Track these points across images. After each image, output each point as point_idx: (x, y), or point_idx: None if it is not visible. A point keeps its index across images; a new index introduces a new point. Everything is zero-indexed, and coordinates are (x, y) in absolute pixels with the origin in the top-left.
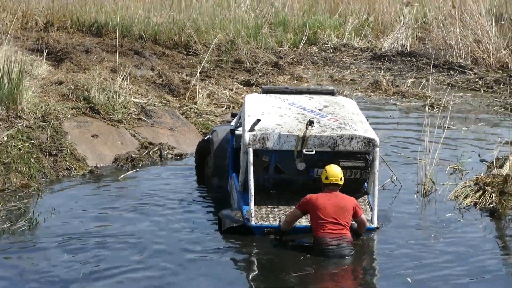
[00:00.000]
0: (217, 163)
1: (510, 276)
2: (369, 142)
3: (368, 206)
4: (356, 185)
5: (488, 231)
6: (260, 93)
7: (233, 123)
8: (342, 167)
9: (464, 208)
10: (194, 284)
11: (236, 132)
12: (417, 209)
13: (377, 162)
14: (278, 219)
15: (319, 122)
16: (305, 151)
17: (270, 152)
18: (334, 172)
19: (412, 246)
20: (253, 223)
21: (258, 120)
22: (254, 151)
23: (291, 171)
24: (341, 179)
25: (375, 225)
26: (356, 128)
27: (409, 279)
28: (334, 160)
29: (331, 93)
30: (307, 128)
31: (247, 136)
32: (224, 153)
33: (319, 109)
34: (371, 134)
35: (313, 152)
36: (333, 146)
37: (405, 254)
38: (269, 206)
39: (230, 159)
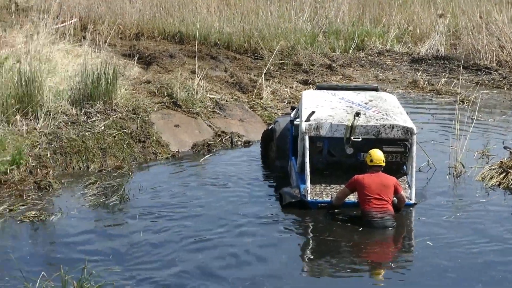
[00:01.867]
0: (279, 148)
1: None
2: (407, 130)
3: (407, 185)
4: (396, 167)
5: (510, 207)
6: (315, 89)
7: (292, 115)
8: (384, 152)
9: (489, 187)
10: (256, 249)
11: (295, 122)
12: (449, 188)
13: (414, 148)
14: (330, 196)
15: (365, 114)
16: (353, 138)
17: (323, 139)
18: (378, 155)
19: (444, 220)
20: (309, 198)
21: (313, 112)
22: (310, 138)
23: (341, 154)
24: (383, 161)
25: (413, 201)
26: (396, 119)
27: (429, 242)
28: (378, 145)
29: (375, 89)
30: (354, 118)
31: (304, 126)
32: (285, 140)
33: (365, 103)
34: (409, 123)
35: (360, 139)
36: (376, 134)
37: (437, 226)
38: (322, 184)
39: (290, 145)
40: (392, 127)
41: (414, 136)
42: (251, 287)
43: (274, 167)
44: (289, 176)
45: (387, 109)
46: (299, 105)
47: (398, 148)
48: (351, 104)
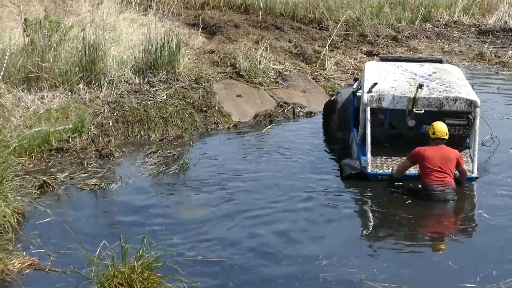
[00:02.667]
0: (341, 119)
1: None
2: (471, 103)
3: (469, 159)
4: (459, 140)
5: None
6: (378, 61)
7: (354, 86)
8: (447, 125)
9: None
10: (315, 224)
11: (357, 93)
12: None
13: (477, 121)
14: (391, 168)
15: (428, 86)
16: (415, 110)
17: (385, 111)
18: (441, 128)
19: (506, 195)
20: (369, 170)
21: (375, 83)
22: (372, 110)
23: (403, 127)
24: (446, 134)
25: (475, 174)
26: (460, 91)
27: (489, 217)
28: (440, 118)
29: (439, 61)
30: (417, 90)
31: (366, 97)
32: (346, 111)
33: (428, 75)
34: (473, 96)
35: (422, 111)
36: (439, 106)
37: (499, 201)
38: (383, 157)
39: (351, 116)
40: (455, 99)
41: (478, 109)
42: (309, 264)
43: (336, 139)
44: (350, 147)
45: (450, 81)
46: (361, 76)
47: (461, 121)
48: (414, 76)
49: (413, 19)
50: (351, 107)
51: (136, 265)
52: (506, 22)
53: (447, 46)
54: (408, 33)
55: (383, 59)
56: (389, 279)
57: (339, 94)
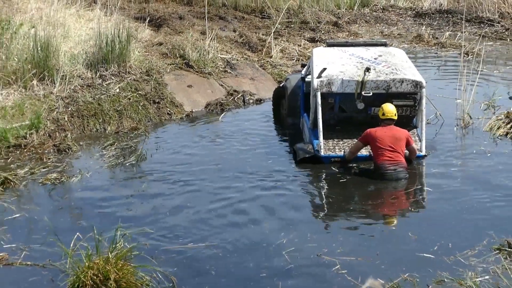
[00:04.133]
0: (291, 105)
1: None
2: (417, 84)
3: (417, 138)
4: (406, 121)
5: None
6: (325, 46)
7: (303, 72)
8: (395, 106)
9: (497, 137)
10: (269, 205)
11: (306, 79)
12: (457, 139)
13: (423, 101)
14: (343, 150)
15: (374, 69)
16: (364, 93)
17: (334, 95)
18: (389, 109)
19: (453, 171)
20: (322, 153)
21: (325, 69)
22: (322, 94)
23: (352, 110)
24: (395, 114)
25: (423, 152)
26: (405, 73)
27: (438, 193)
28: (388, 100)
29: (384, 44)
30: (365, 74)
31: (316, 82)
32: (296, 97)
33: (375, 58)
34: (419, 77)
35: (370, 94)
36: (387, 88)
37: (447, 178)
38: (335, 140)
39: (301, 102)
40: (402, 81)
41: (423, 90)
42: (273, 243)
43: (286, 124)
44: (302, 132)
45: (396, 63)
46: (309, 62)
47: (408, 101)
48: (361, 59)
49: (351, 5)
50: (300, 93)
51: (110, 256)
52: (441, 4)
53: (386, 29)
54: (348, 18)
55: (330, 45)
56: (346, 253)
57: (288, 81)
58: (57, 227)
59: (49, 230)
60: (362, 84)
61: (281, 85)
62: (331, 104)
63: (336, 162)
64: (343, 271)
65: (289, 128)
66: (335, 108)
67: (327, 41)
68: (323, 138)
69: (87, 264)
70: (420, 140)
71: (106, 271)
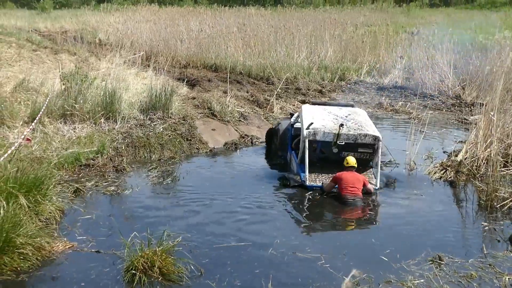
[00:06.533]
0: (281, 142)
1: (461, 220)
2: (376, 138)
3: (372, 175)
4: (366, 162)
5: (447, 194)
6: (311, 104)
7: (292, 120)
8: (359, 152)
9: (434, 180)
10: (268, 213)
11: (295, 125)
12: (405, 179)
13: (380, 150)
14: (322, 182)
15: (346, 125)
16: (339, 142)
17: (317, 142)
18: (351, 160)
19: (399, 202)
20: (307, 183)
21: (312, 123)
22: (309, 141)
23: (329, 152)
24: (355, 163)
25: (378, 186)
26: (368, 129)
27: (387, 216)
28: (355, 148)
29: (352, 106)
30: (339, 128)
31: (305, 132)
32: (286, 136)
33: (346, 116)
34: (377, 133)
35: (343, 143)
36: (354, 139)
37: (395, 206)
38: (316, 173)
39: (289, 141)
40: (365, 135)
41: (380, 142)
42: (265, 245)
43: (277, 155)
44: (289, 164)
45: (361, 121)
46: (300, 114)
47: (369, 149)
48: (336, 117)
49: (332, 78)
50: (289, 135)
51: (157, 249)
52: (397, 81)
53: (356, 97)
54: (329, 87)
55: (314, 103)
56: (316, 251)
57: (280, 124)
58: (116, 226)
59: (111, 228)
60: (337, 136)
61: (274, 127)
62: (314, 148)
63: (316, 190)
64: (326, 265)
65: (280, 159)
66: (317, 150)
67: (312, 100)
68: (308, 172)
69: (140, 253)
70: (375, 178)
71: (153, 260)
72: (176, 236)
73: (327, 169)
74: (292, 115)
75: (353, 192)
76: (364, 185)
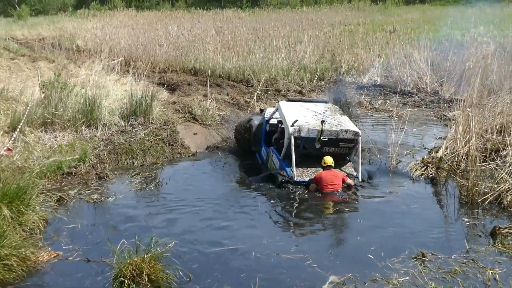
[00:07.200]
0: (255, 138)
1: (441, 214)
2: (356, 133)
3: (352, 169)
4: (345, 156)
5: (429, 191)
6: (286, 101)
7: (267, 116)
8: (341, 147)
9: (415, 177)
10: (252, 213)
11: (270, 121)
12: (387, 176)
13: (360, 144)
14: (308, 177)
15: (326, 121)
16: (322, 138)
17: (302, 138)
18: (328, 160)
19: (383, 198)
20: (295, 179)
21: (296, 120)
22: (294, 138)
23: (311, 148)
24: (332, 163)
25: (360, 179)
26: (348, 125)
27: (368, 212)
28: (337, 143)
29: (326, 102)
30: (322, 125)
31: (291, 129)
32: (259, 132)
33: (323, 112)
34: (357, 128)
35: (326, 139)
36: (336, 135)
37: (376, 203)
38: (301, 168)
39: (263, 137)
40: (346, 131)
41: (360, 137)
42: (254, 245)
43: (251, 151)
44: (265, 159)
45: (338, 117)
46: (279, 110)
47: (349, 144)
48: (315, 113)
49: (312, 79)
50: (263, 130)
51: (145, 256)
52: (375, 80)
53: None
54: (309, 88)
55: (289, 100)
56: (303, 252)
57: (252, 120)
58: (101, 235)
59: (97, 236)
60: (321, 132)
61: (239, 123)
62: (298, 144)
63: (298, 189)
64: (314, 265)
65: (253, 154)
66: (300, 146)
67: (288, 97)
68: (289, 167)
69: (128, 261)
70: (357, 171)
71: (141, 267)
72: (164, 242)
73: (310, 164)
74: (262, 111)
75: (332, 189)
76: (343, 181)
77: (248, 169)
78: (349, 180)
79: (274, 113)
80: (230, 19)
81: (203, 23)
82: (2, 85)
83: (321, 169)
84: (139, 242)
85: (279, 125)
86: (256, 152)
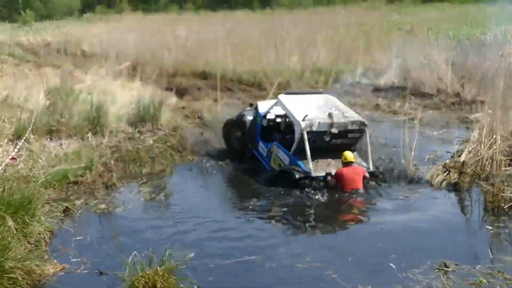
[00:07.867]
0: (250, 134)
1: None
2: (362, 123)
3: (360, 159)
4: (352, 145)
5: (451, 197)
6: (285, 94)
7: (263, 111)
8: (349, 138)
9: (436, 182)
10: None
11: (267, 116)
12: (407, 182)
13: (367, 133)
14: (324, 171)
15: (333, 113)
16: (333, 131)
17: (313, 132)
18: (349, 156)
19: (402, 205)
20: (313, 174)
21: (307, 115)
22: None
23: (321, 141)
24: (353, 158)
25: (371, 169)
26: (353, 116)
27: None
28: (345, 134)
29: (321, 93)
30: (330, 118)
31: (303, 124)
32: (254, 128)
33: (324, 104)
34: (363, 118)
35: (337, 132)
36: (345, 127)
37: (394, 210)
38: (313, 161)
39: (258, 132)
40: (353, 122)
41: (366, 127)
42: (269, 253)
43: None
44: (265, 156)
45: (341, 107)
46: (281, 105)
47: (357, 134)
48: (317, 105)
49: (326, 81)
50: (257, 125)
51: (159, 269)
52: (393, 82)
53: (352, 100)
54: (324, 91)
55: (288, 93)
56: (322, 260)
57: (244, 116)
58: (110, 247)
59: (105, 248)
60: (331, 125)
61: (231, 118)
62: (308, 138)
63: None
64: (334, 276)
65: (249, 151)
66: (310, 140)
67: (287, 90)
68: (302, 160)
69: (140, 273)
70: (367, 160)
71: (155, 281)
72: (178, 254)
73: (320, 156)
74: (252, 105)
75: (353, 187)
76: (364, 177)
77: (261, 173)
78: (366, 174)
79: (271, 107)
80: (240, 21)
81: (213, 26)
82: (7, 92)
83: (331, 160)
84: (152, 255)
85: (286, 119)
86: (252, 148)
